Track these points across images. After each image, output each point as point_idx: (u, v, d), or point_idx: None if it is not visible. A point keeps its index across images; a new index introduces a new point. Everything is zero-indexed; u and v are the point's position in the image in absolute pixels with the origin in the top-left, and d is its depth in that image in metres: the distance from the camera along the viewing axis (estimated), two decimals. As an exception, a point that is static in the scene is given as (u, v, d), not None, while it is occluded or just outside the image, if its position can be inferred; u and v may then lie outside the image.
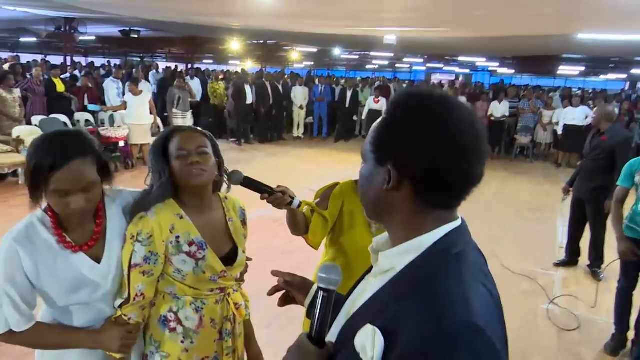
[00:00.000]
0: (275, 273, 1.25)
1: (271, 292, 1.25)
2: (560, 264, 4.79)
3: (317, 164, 9.47)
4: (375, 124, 0.86)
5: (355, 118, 12.74)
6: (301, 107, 12.16)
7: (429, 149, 0.76)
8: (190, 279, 1.47)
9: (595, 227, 4.45)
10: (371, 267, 0.98)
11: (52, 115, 8.21)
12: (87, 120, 8.76)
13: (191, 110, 9.23)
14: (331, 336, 0.90)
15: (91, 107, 8.93)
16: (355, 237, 1.86)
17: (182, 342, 1.50)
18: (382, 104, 10.99)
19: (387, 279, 0.82)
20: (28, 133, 6.95)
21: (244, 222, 1.69)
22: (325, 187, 1.93)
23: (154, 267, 1.44)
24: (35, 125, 7.55)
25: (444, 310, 0.70)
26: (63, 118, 8.27)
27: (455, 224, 0.82)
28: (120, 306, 1.44)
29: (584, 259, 4.74)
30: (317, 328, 0.88)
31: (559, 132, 9.98)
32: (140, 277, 1.42)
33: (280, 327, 3.30)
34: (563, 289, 4.28)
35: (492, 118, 10.49)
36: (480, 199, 7.40)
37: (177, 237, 1.46)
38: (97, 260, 1.40)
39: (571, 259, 4.78)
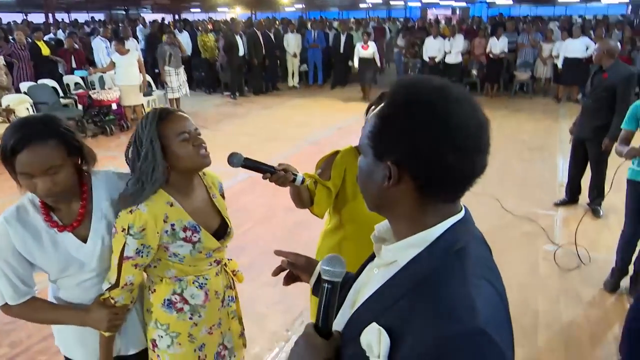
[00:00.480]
0: (278, 253, 1.24)
1: (276, 273, 1.24)
2: (560, 204, 4.81)
3: (315, 114, 9.36)
4: (372, 115, 0.82)
5: (350, 63, 12.45)
6: (294, 55, 11.87)
7: (429, 145, 0.74)
8: (187, 260, 1.50)
9: (597, 166, 4.42)
10: (373, 255, 0.97)
11: (40, 81, 8.05)
12: (76, 84, 8.60)
13: (183, 66, 9.00)
14: (337, 325, 0.91)
15: (78, 72, 8.73)
16: (359, 203, 1.85)
17: (190, 318, 1.55)
18: (371, 49, 10.15)
19: (391, 273, 0.81)
20: (18, 101, 6.83)
21: (222, 196, 1.71)
22: (326, 157, 1.89)
23: (145, 259, 1.46)
24: (24, 93, 7.40)
25: (449, 313, 0.70)
26: (52, 83, 8.11)
27: (459, 216, 0.81)
28: (109, 289, 1.47)
29: (584, 197, 4.76)
30: (322, 319, 0.88)
31: (559, 65, 9.75)
32: (131, 269, 1.44)
33: (286, 287, 3.37)
34: (564, 229, 4.33)
35: (491, 55, 10.23)
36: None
37: (172, 225, 1.45)
38: (84, 240, 1.45)
39: (571, 198, 4.81)
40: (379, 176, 0.79)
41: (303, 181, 1.68)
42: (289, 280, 1.25)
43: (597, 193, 4.53)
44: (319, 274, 0.93)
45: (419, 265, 0.78)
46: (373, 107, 1.79)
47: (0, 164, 1.32)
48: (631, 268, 3.32)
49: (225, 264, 1.65)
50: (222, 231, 1.60)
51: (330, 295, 0.88)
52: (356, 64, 10.47)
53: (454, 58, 10.43)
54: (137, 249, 1.42)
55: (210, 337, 1.61)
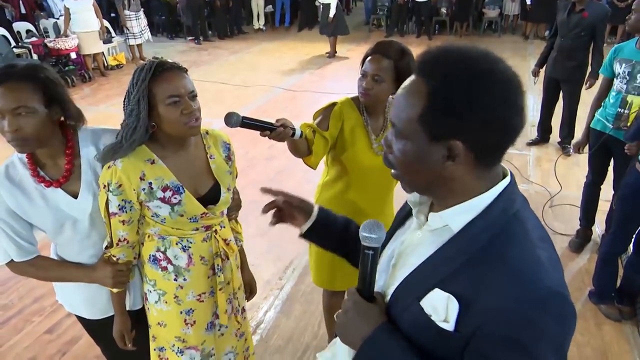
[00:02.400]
0: (265, 190, 1.18)
1: (266, 210, 1.17)
2: (532, 143, 4.97)
3: (284, 58, 9.12)
4: (412, 97, 0.77)
5: (317, 3, 12.03)
6: (260, -5, 11.36)
7: (498, 113, 0.73)
8: (168, 221, 1.46)
9: (570, 105, 4.52)
10: (404, 212, 0.98)
11: (-12, 29, 7.48)
12: (28, 31, 8.04)
13: (142, 9, 8.50)
14: (377, 286, 0.92)
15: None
16: (357, 153, 1.87)
17: (175, 279, 1.53)
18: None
19: (444, 238, 0.81)
20: (-33, 53, 6.36)
21: (228, 158, 1.59)
22: (324, 107, 1.89)
23: (131, 214, 1.43)
24: (-28, 43, 6.89)
25: (526, 277, 0.72)
26: (1, 31, 7.54)
27: (507, 180, 0.82)
28: (107, 248, 1.48)
29: (555, 136, 4.92)
30: (367, 284, 0.90)
31: (528, 1, 9.73)
32: (120, 225, 1.43)
33: (274, 236, 3.42)
34: (537, 168, 4.50)
35: (460, -8, 10.08)
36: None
37: (150, 184, 1.41)
38: (75, 196, 1.45)
39: (543, 137, 4.96)
40: (435, 157, 0.77)
41: (302, 135, 1.69)
42: (277, 220, 1.19)
43: (568, 132, 4.69)
44: (360, 240, 0.90)
45: (478, 230, 0.77)
46: (370, 57, 1.76)
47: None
48: (595, 230, 3.37)
49: (215, 231, 1.56)
50: (213, 196, 1.52)
51: (372, 261, 0.89)
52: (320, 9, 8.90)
53: (423, -4, 10.23)
54: (119, 205, 1.40)
55: (200, 304, 1.57)
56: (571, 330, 0.75)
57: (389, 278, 0.91)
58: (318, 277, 2.13)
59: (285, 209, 1.17)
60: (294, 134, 1.63)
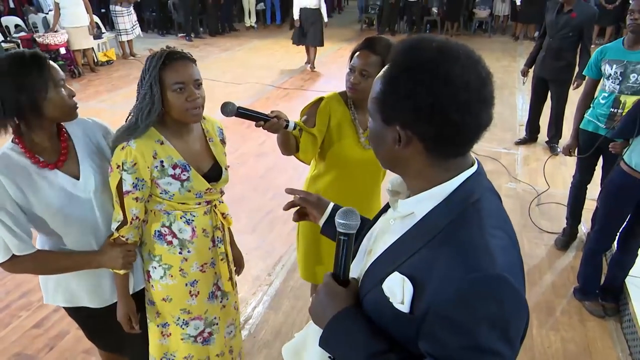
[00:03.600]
0: (289, 191, 1.28)
1: (287, 207, 1.27)
2: (520, 142, 5.03)
3: (276, 56, 9.11)
4: (376, 80, 0.84)
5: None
6: (251, -7, 11.32)
7: (433, 105, 0.76)
8: (176, 197, 1.56)
9: (557, 105, 4.57)
10: (387, 206, 1.01)
11: (-24, 23, 7.40)
12: (17, 26, 7.96)
13: (132, 5, 8.45)
14: (352, 272, 0.96)
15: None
16: (344, 148, 1.89)
17: (180, 252, 1.63)
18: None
19: (409, 224, 0.85)
20: (-46, 47, 6.28)
21: (223, 141, 1.74)
22: (311, 104, 1.90)
23: (143, 191, 1.52)
24: (-40, 36, 6.81)
25: (470, 260, 0.75)
26: (-11, 25, 7.47)
27: (472, 169, 0.85)
28: (117, 229, 1.53)
29: (542, 135, 4.98)
30: (341, 268, 0.94)
31: (518, 2, 9.81)
32: (133, 202, 1.51)
33: (263, 232, 3.44)
34: (524, 167, 4.56)
35: (451, -8, 10.14)
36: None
37: (162, 162, 1.51)
38: (76, 177, 1.49)
39: (531, 136, 5.02)
40: (389, 139, 0.83)
41: (295, 127, 1.71)
42: (300, 217, 1.28)
43: (555, 131, 4.74)
44: (335, 225, 0.96)
45: (438, 216, 0.82)
46: (358, 52, 1.78)
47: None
48: (581, 228, 3.41)
49: (215, 206, 1.69)
50: (214, 174, 1.65)
51: (346, 246, 0.93)
52: (296, 15, 7.46)
53: (415, -5, 10.28)
54: (133, 182, 1.48)
55: (203, 275, 1.69)
56: (516, 315, 0.76)
57: (363, 265, 0.95)
58: (305, 271, 2.15)
59: (302, 205, 1.25)
60: (287, 125, 1.66)
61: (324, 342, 0.91)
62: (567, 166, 4.37)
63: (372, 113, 0.86)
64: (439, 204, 0.82)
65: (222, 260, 1.73)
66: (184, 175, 1.54)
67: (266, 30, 11.77)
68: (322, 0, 7.44)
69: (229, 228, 1.86)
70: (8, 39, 7.60)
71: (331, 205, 1.22)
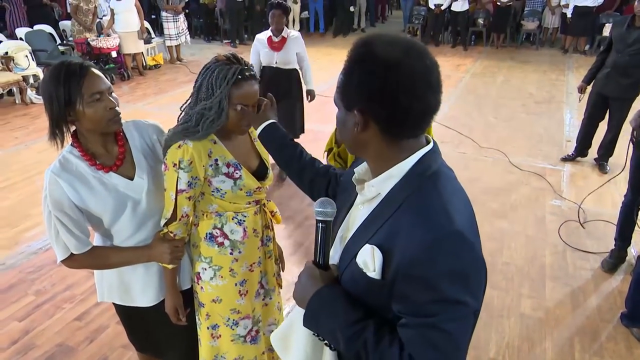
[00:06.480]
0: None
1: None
2: (567, 159, 4.82)
3: (318, 65, 9.15)
4: (339, 74, 0.96)
5: (352, 9, 12.08)
6: (295, 2, 11.48)
7: (383, 92, 0.86)
8: (228, 196, 1.59)
9: (617, 124, 4.34)
10: (354, 201, 1.09)
11: (36, 27, 7.81)
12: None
13: (183, 13, 8.71)
14: (332, 259, 1.05)
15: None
16: None
17: (231, 253, 1.66)
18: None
19: (375, 204, 0.96)
20: (16, 48, 6.65)
21: None
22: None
23: (195, 190, 1.56)
24: (21, 39, 7.20)
25: (429, 222, 0.85)
26: (48, 29, 7.88)
27: (428, 147, 0.95)
28: (166, 225, 1.58)
29: (592, 152, 4.78)
30: (321, 254, 1.02)
31: (569, 14, 9.51)
32: (186, 201, 1.55)
33: (300, 238, 3.44)
34: (571, 185, 4.39)
35: (498, 3, 9.94)
36: (488, 92, 7.28)
37: (216, 160, 1.56)
38: (130, 178, 1.56)
39: (581, 152, 4.78)
40: (350, 124, 0.93)
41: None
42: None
43: (607, 150, 4.53)
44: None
45: (399, 191, 0.92)
46: None
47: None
48: (630, 250, 3.25)
49: (264, 204, 1.74)
50: (261, 172, 1.69)
51: (324, 233, 1.02)
52: None
53: (460, 6, 10.11)
54: (188, 181, 1.52)
55: (251, 274, 1.73)
56: (474, 266, 0.85)
57: (340, 251, 1.03)
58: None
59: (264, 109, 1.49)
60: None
61: (307, 321, 0.99)
62: (617, 185, 4.17)
63: (336, 102, 0.98)
64: (399, 181, 0.93)
65: (268, 257, 1.79)
66: (237, 173, 1.58)
67: (309, 39, 11.86)
68: None
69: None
70: (64, 42, 7.99)
71: (273, 120, 1.46)
